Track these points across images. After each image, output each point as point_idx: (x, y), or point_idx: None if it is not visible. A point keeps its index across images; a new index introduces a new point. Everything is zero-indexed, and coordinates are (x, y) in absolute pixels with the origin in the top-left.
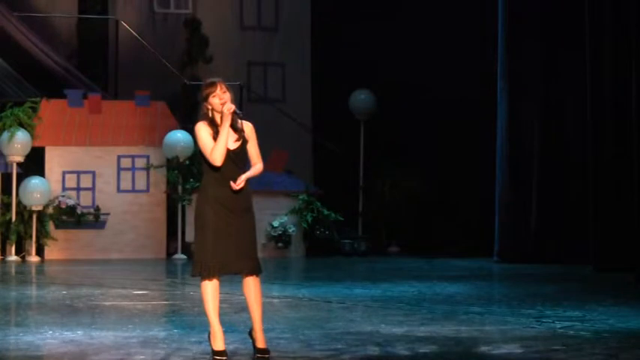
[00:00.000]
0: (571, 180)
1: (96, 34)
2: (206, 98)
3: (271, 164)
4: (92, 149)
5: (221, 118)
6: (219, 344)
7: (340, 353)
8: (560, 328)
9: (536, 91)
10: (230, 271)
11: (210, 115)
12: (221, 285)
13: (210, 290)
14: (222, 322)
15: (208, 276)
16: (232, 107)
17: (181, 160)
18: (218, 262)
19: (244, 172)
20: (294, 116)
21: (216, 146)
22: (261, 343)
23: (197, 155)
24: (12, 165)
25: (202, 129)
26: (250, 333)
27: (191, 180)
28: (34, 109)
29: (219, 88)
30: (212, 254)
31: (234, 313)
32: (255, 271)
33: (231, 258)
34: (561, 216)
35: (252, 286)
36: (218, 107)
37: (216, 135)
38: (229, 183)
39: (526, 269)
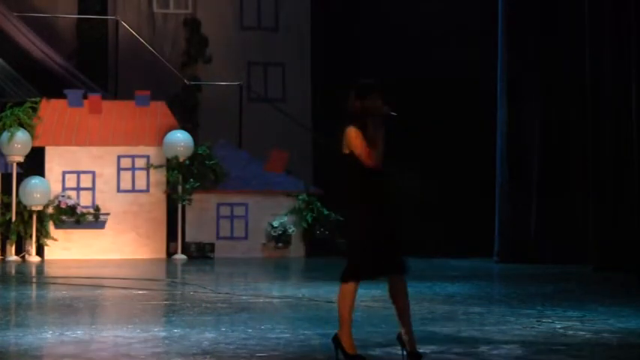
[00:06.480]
0: (571, 180)
1: (96, 34)
2: (368, 97)
3: (271, 164)
4: (92, 149)
5: (374, 123)
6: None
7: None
8: (560, 328)
9: (536, 92)
10: (382, 274)
11: (364, 119)
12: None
13: (353, 291)
14: (224, 321)
15: (364, 279)
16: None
17: (181, 160)
18: (375, 264)
19: (381, 158)
20: (294, 116)
21: (376, 152)
22: (414, 347)
23: (347, 157)
24: (12, 165)
25: (358, 135)
26: (399, 337)
27: (191, 180)
28: (34, 109)
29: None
30: (367, 257)
31: (234, 313)
32: (403, 269)
33: (383, 260)
34: (561, 216)
35: (400, 286)
36: (377, 110)
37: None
38: (379, 177)
39: (526, 269)
